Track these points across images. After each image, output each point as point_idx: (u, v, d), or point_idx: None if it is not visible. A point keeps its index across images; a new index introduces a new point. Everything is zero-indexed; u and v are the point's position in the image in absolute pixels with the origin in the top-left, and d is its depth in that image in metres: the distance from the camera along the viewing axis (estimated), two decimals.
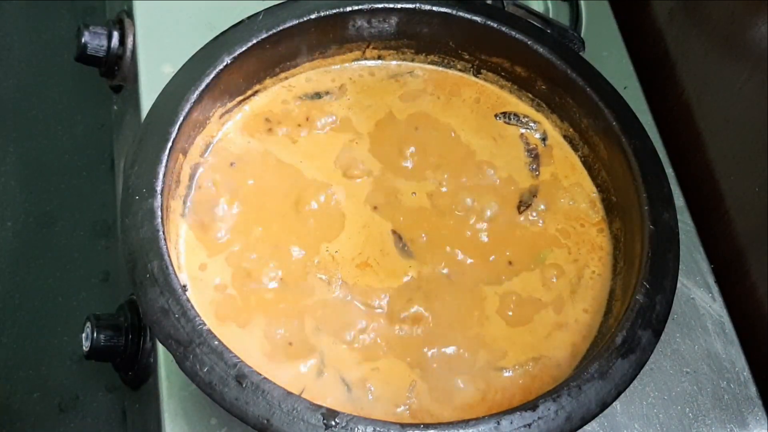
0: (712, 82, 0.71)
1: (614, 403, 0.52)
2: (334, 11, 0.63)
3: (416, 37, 0.66)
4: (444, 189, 0.63)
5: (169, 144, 0.56)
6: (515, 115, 0.67)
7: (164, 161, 0.55)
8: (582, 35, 0.73)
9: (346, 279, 0.58)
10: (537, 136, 0.66)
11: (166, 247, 0.52)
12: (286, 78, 0.66)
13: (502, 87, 0.68)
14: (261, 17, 0.61)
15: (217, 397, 0.48)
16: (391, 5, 0.64)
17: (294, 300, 0.57)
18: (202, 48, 0.60)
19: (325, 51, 0.66)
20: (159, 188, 0.54)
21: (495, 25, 0.64)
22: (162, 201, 0.54)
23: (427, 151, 0.65)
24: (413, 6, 0.64)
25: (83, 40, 0.71)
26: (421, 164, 0.64)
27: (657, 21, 0.78)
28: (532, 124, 0.66)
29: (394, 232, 0.61)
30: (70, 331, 0.79)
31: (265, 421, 0.47)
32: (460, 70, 0.69)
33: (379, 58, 0.68)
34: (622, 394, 0.52)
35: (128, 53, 0.70)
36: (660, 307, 0.55)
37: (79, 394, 0.77)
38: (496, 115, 0.67)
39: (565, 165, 0.66)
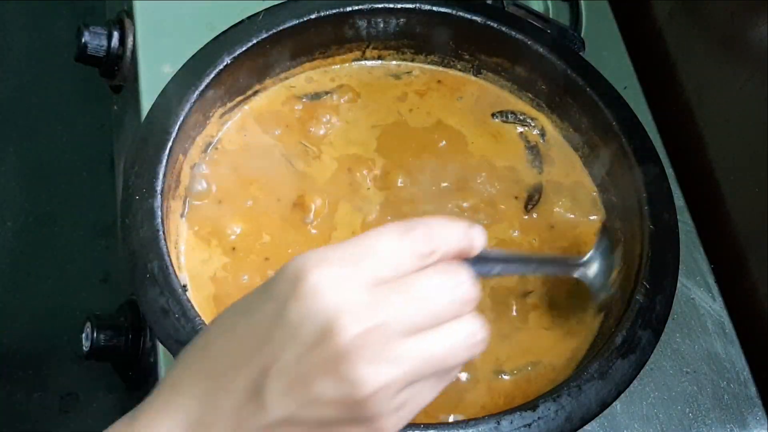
0: (712, 82, 0.71)
1: (614, 403, 0.52)
2: (334, 11, 0.63)
3: (416, 37, 0.66)
4: (447, 188, 0.63)
5: (169, 144, 0.56)
6: (512, 113, 0.67)
7: (164, 161, 0.55)
8: (582, 35, 0.73)
9: None
10: (535, 132, 0.66)
11: (166, 247, 0.52)
12: (287, 78, 0.66)
13: (502, 87, 0.68)
14: (261, 17, 0.61)
15: None
16: (391, 5, 0.64)
17: None
18: (202, 48, 0.60)
19: (325, 51, 0.66)
20: (159, 188, 0.54)
21: (495, 25, 0.64)
22: (162, 201, 0.54)
23: (429, 151, 0.65)
24: (413, 6, 0.64)
25: (83, 40, 0.71)
26: (423, 164, 0.64)
27: (657, 21, 0.78)
28: (529, 121, 0.66)
29: None
30: (70, 331, 0.79)
31: None
32: (460, 70, 0.68)
33: (379, 58, 0.68)
34: (622, 394, 0.52)
35: (128, 53, 0.70)
36: (660, 307, 0.55)
37: (80, 394, 0.77)
38: (492, 115, 0.67)
39: (566, 165, 0.65)
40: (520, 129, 0.66)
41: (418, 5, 0.64)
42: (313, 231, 0.60)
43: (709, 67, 0.72)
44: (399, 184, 0.63)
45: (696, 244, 0.66)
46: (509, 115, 0.66)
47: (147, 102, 0.62)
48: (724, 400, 0.60)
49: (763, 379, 0.62)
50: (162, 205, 0.54)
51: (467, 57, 0.68)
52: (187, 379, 0.38)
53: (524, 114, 0.67)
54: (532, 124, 0.66)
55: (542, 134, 0.66)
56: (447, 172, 0.64)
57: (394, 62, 0.68)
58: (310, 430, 0.36)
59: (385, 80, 0.68)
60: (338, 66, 0.67)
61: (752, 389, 0.61)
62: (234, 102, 0.63)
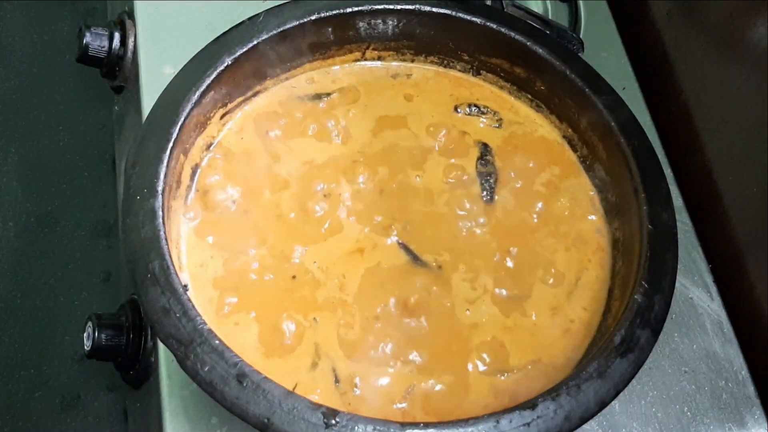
0: (711, 83, 0.71)
1: (613, 402, 0.52)
2: (335, 12, 0.63)
3: (416, 38, 0.67)
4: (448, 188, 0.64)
5: (170, 144, 0.56)
6: (474, 105, 0.67)
7: (165, 161, 0.55)
8: (581, 36, 0.73)
9: (347, 278, 0.58)
10: (494, 126, 0.66)
11: (167, 247, 0.52)
12: (287, 79, 0.66)
13: (501, 88, 0.68)
14: (261, 18, 0.62)
15: (218, 397, 0.48)
16: (391, 6, 0.64)
17: (295, 296, 0.57)
18: (202, 49, 0.60)
19: (325, 52, 0.66)
20: (160, 188, 0.54)
21: (494, 26, 0.65)
22: (163, 201, 0.54)
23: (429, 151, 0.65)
24: (413, 7, 0.64)
25: (85, 41, 0.71)
26: (423, 164, 0.64)
27: (655, 22, 0.78)
28: (489, 111, 0.66)
29: (395, 233, 0.61)
30: (71, 330, 0.79)
31: (266, 420, 0.48)
32: (459, 71, 0.69)
33: (379, 59, 0.68)
34: (621, 394, 0.52)
35: (129, 54, 0.70)
36: (658, 307, 0.55)
37: (81, 393, 0.77)
38: (455, 108, 0.67)
39: (564, 165, 0.66)
40: (482, 119, 0.66)
41: (418, 6, 0.64)
42: (316, 228, 0.60)
43: (707, 67, 0.72)
44: (399, 184, 0.63)
45: (694, 243, 0.66)
46: (472, 108, 0.66)
47: (148, 102, 0.62)
48: (723, 399, 0.61)
49: (762, 379, 0.62)
50: (163, 205, 0.54)
51: (467, 58, 0.68)
52: None
53: (487, 107, 0.66)
54: (494, 115, 0.66)
55: (499, 122, 0.66)
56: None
57: (394, 63, 0.69)
58: None
59: (385, 81, 0.68)
60: (338, 67, 0.67)
61: (750, 388, 0.61)
62: (235, 103, 0.63)
